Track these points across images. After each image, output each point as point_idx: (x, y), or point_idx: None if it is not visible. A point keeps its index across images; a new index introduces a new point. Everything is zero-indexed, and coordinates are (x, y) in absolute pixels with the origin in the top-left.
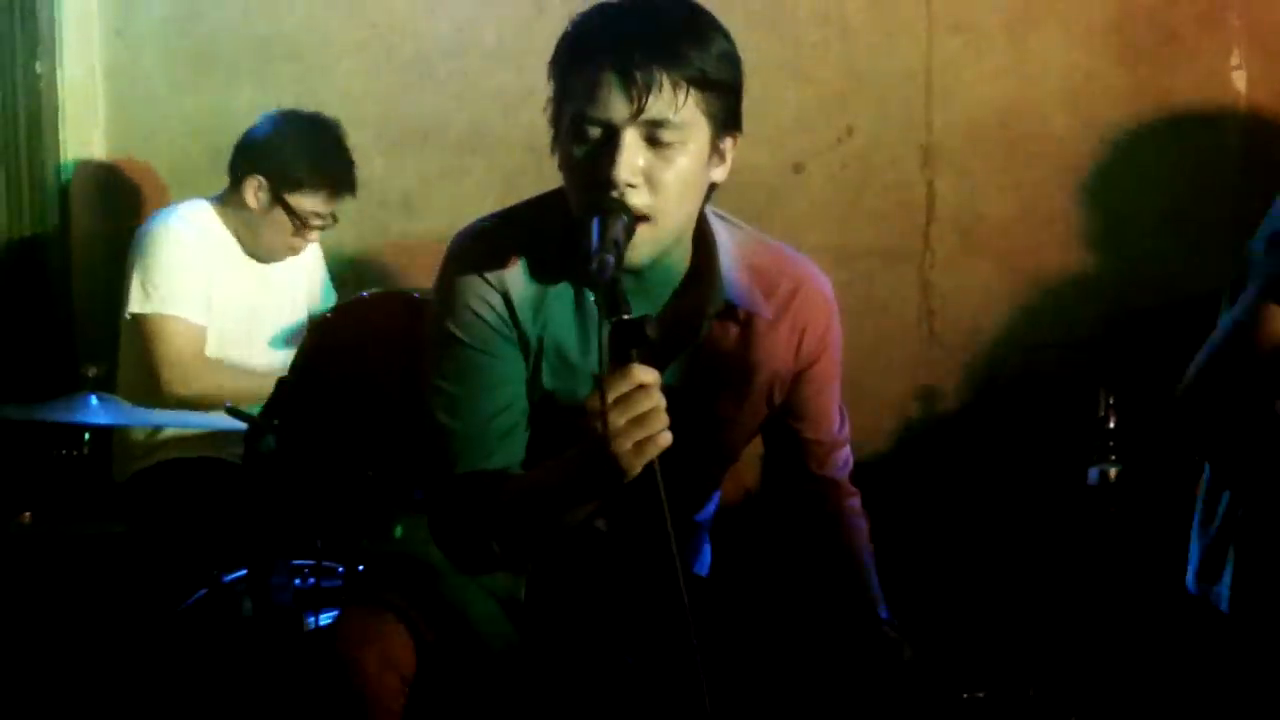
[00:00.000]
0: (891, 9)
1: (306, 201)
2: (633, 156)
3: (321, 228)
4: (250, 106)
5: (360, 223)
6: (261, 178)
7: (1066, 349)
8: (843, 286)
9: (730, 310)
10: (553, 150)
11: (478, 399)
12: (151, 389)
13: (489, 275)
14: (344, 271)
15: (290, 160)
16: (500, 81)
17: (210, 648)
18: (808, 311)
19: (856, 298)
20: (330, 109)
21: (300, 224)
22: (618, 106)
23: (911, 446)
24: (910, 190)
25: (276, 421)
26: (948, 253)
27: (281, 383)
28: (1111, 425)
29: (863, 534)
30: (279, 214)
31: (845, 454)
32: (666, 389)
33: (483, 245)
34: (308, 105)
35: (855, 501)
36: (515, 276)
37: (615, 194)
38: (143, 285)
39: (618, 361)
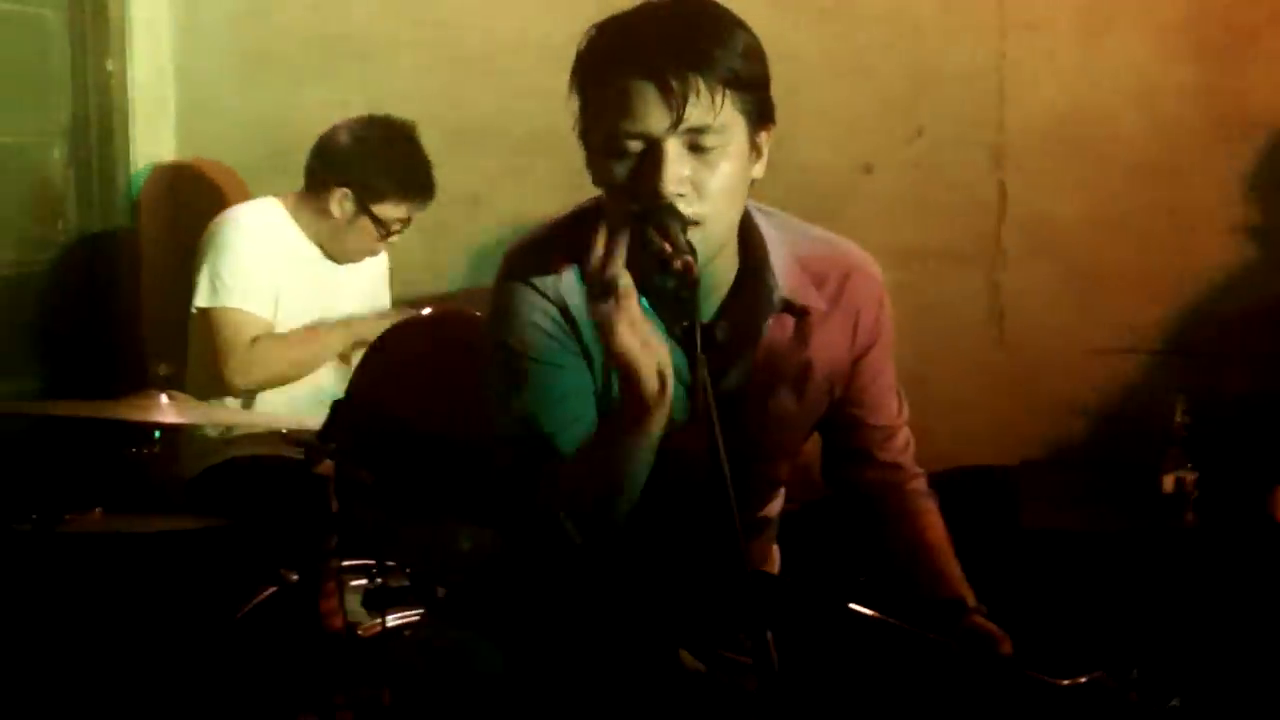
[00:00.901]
0: (962, 8)
1: (391, 210)
2: (678, 167)
3: (400, 231)
4: (316, 105)
5: (425, 221)
6: (347, 189)
7: (1138, 353)
8: (910, 287)
9: (786, 306)
10: (589, 167)
11: (543, 414)
12: (217, 382)
13: (544, 287)
14: (408, 271)
15: (376, 173)
16: (564, 79)
17: (275, 647)
18: (859, 298)
19: (925, 298)
20: (395, 107)
21: (384, 231)
22: (656, 118)
23: (978, 449)
24: (980, 190)
25: (333, 445)
26: (1017, 254)
27: (337, 405)
28: (1186, 431)
29: (935, 514)
30: (364, 222)
31: (906, 436)
32: (730, 391)
33: (534, 257)
34: (373, 103)
35: (922, 483)
36: (570, 287)
37: (667, 202)
38: (210, 279)
39: (690, 361)
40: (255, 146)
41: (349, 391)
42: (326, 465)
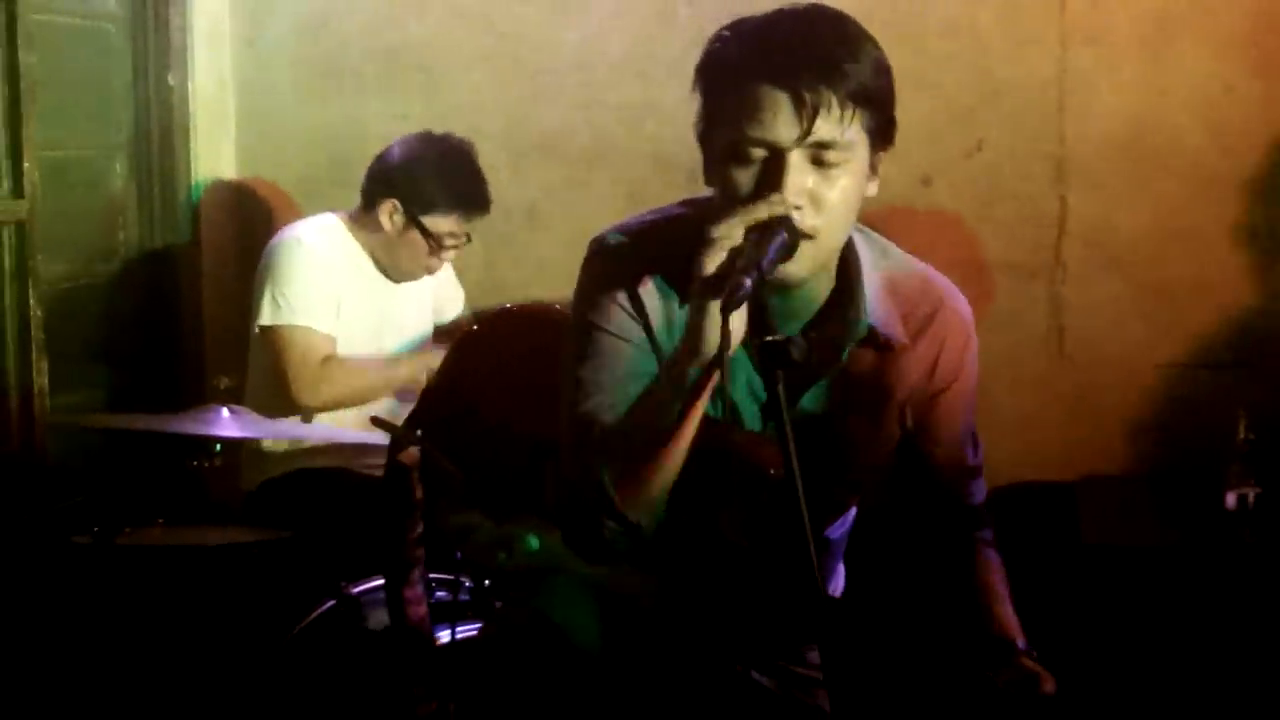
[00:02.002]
0: (1023, 20)
1: (441, 223)
2: (800, 179)
3: (456, 247)
4: (377, 118)
5: (484, 233)
6: (396, 201)
7: (1201, 368)
8: (970, 302)
9: (871, 335)
10: (706, 170)
11: (617, 385)
12: (282, 399)
13: (626, 279)
14: (469, 283)
15: (424, 183)
16: (625, 94)
17: (335, 660)
18: (945, 333)
19: (985, 313)
20: (456, 119)
21: (436, 244)
22: (785, 128)
23: (1039, 463)
24: (1041, 204)
25: (420, 432)
26: (1079, 268)
27: (427, 392)
28: (1249, 447)
29: (995, 566)
30: (414, 235)
31: (978, 483)
32: (805, 414)
33: (621, 250)
34: (435, 116)
35: (988, 533)
36: (650, 296)
37: (779, 212)
38: (273, 297)
39: (766, 382)
40: (316, 160)
41: (436, 382)
42: (411, 454)
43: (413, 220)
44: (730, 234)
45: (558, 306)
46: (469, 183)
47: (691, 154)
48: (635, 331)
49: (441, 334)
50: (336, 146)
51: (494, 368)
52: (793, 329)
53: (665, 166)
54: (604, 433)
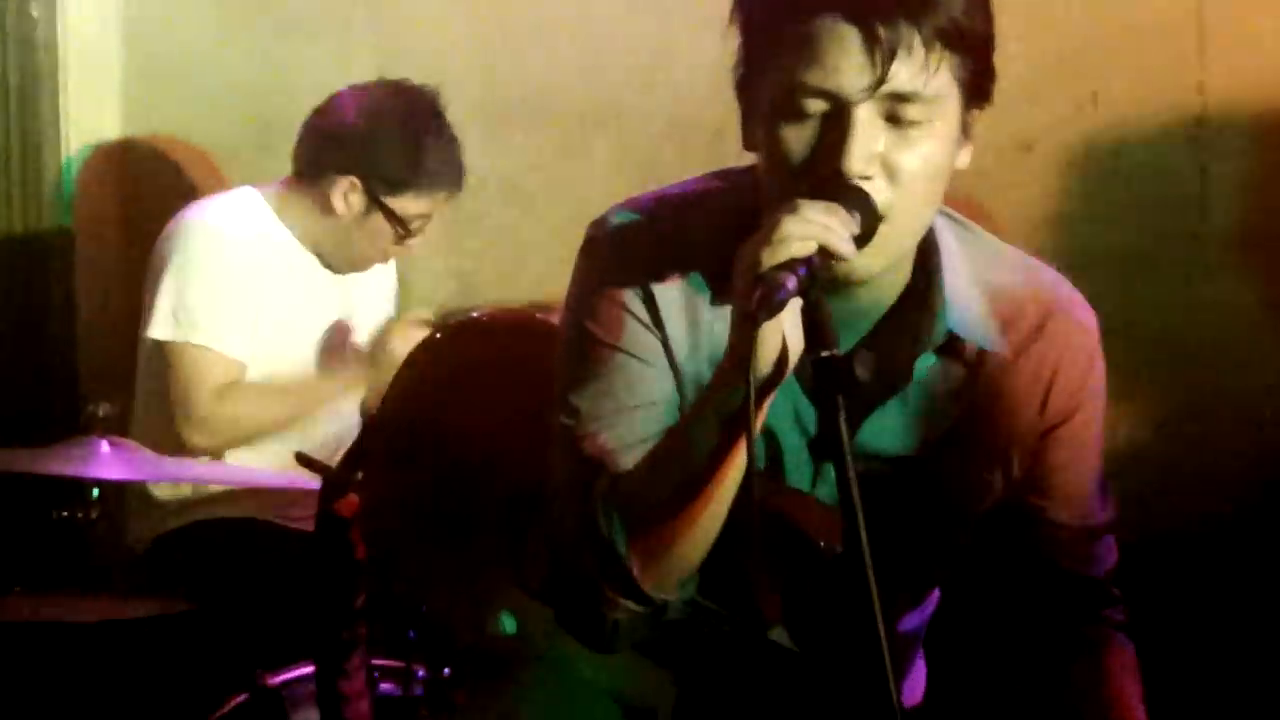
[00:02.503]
0: None
1: (412, 204)
2: (869, 141)
3: (421, 230)
4: (313, 67)
5: (450, 215)
6: (355, 179)
7: None
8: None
9: (954, 344)
10: (744, 128)
11: (629, 417)
12: (174, 435)
13: (637, 275)
14: (424, 279)
15: (391, 153)
16: (633, 37)
17: None
18: (1060, 349)
19: (1103, 316)
20: (414, 69)
21: (403, 231)
22: (852, 73)
23: (1171, 500)
24: (1174, 177)
25: (360, 474)
26: (1221, 257)
27: (368, 426)
28: None
29: (1126, 662)
30: (376, 221)
31: (1106, 545)
32: (868, 454)
33: (622, 255)
34: (386, 64)
35: (1117, 613)
36: (670, 297)
37: (857, 184)
38: (170, 304)
39: (821, 411)
40: (230, 120)
41: (383, 410)
42: (350, 501)
43: (376, 202)
44: (806, 231)
45: (541, 315)
46: (445, 153)
47: (718, 112)
48: (650, 345)
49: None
50: (258, 104)
51: (459, 391)
52: (851, 338)
53: (685, 129)
54: (616, 481)
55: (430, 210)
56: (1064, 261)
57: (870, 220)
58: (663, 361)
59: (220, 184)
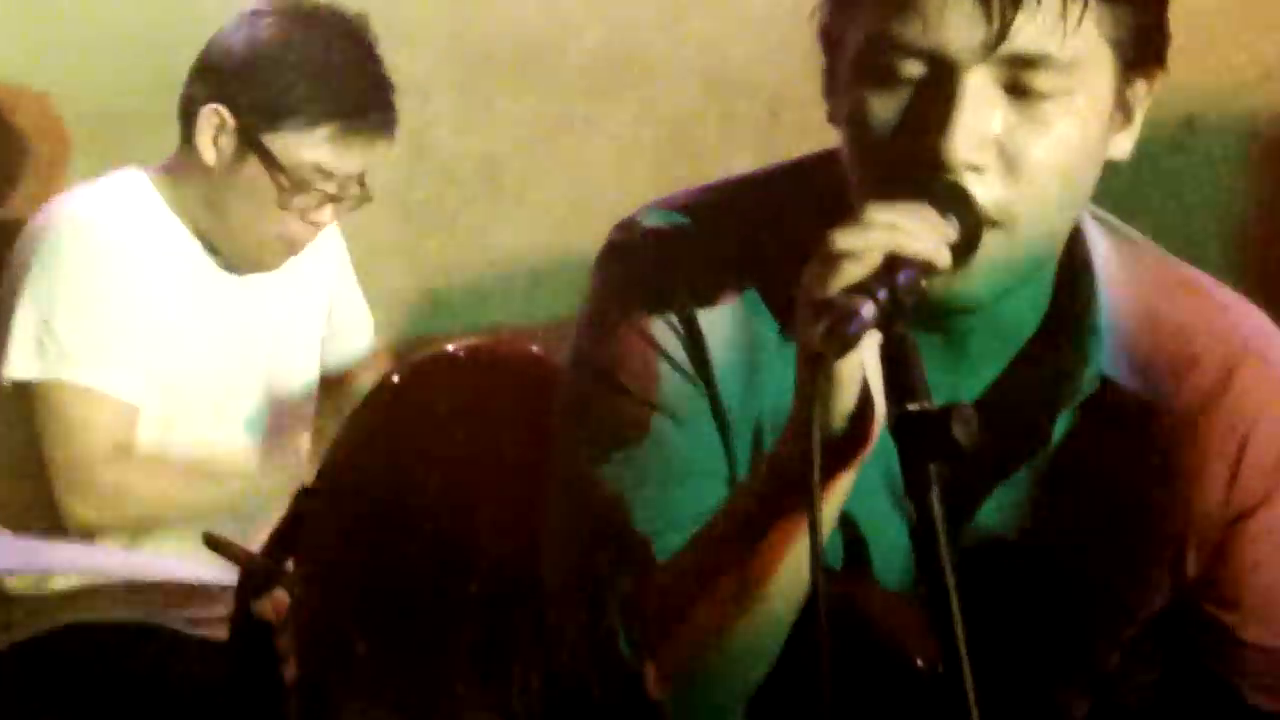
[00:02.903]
0: None
1: (305, 146)
2: (981, 118)
3: (337, 199)
4: (217, 10)
5: (409, 209)
6: (222, 107)
7: None
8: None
9: (1109, 395)
10: (827, 95)
11: (652, 490)
12: (44, 504)
13: (673, 303)
14: (376, 297)
15: (272, 73)
16: None
17: None
18: (1255, 407)
19: None
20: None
21: (292, 186)
22: (959, 27)
23: None
24: None
25: (291, 562)
26: None
27: (303, 496)
28: None
29: None
30: (253, 171)
31: None
32: (989, 541)
33: (656, 267)
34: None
35: None
36: (717, 320)
37: (948, 178)
38: (34, 330)
39: (911, 477)
40: (116, 81)
41: (324, 476)
42: (277, 600)
43: (248, 140)
44: (868, 242)
45: (536, 349)
46: (354, 70)
47: (775, 73)
48: (690, 398)
49: (331, 386)
50: (148, 56)
51: (427, 451)
52: (971, 387)
53: (728, 94)
54: (642, 581)
55: (337, 162)
56: (1240, 275)
57: (971, 226)
58: (707, 419)
59: (81, 165)
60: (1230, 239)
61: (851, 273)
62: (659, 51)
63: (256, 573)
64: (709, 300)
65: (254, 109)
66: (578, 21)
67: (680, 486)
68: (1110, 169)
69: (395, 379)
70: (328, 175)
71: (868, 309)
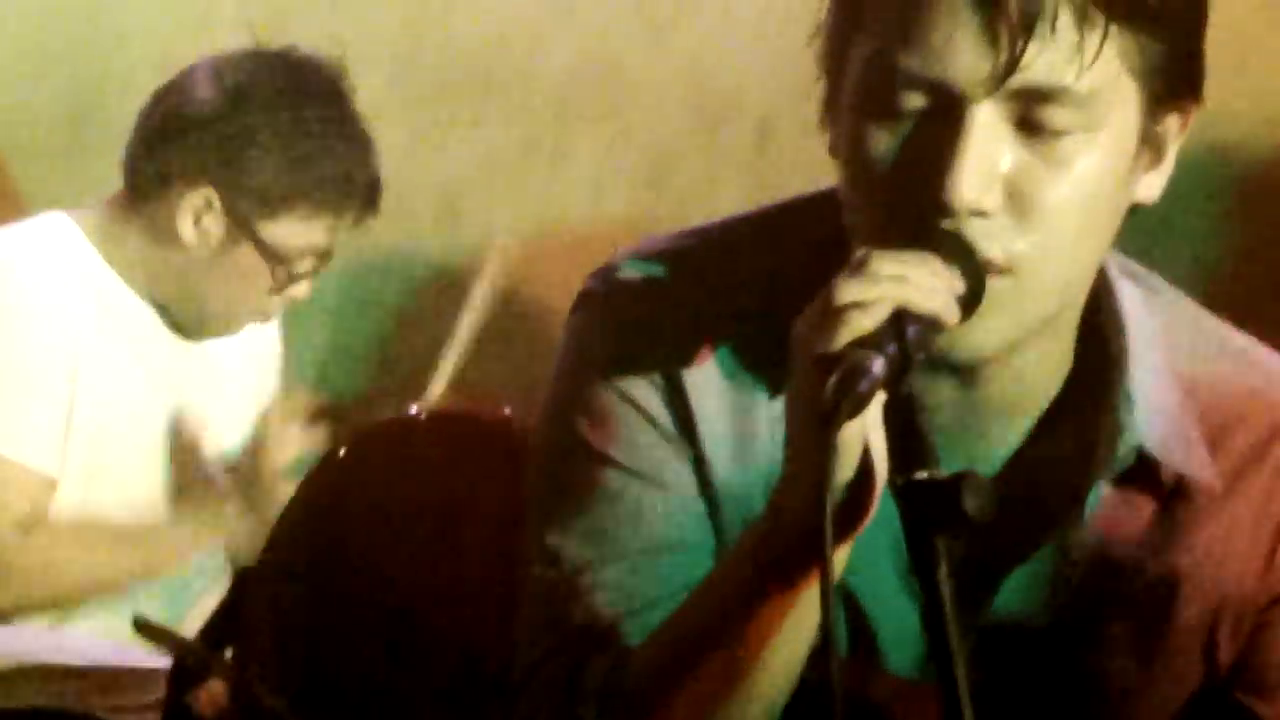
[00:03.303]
0: None
1: (298, 232)
2: (990, 155)
3: (314, 273)
4: (160, 32)
5: (352, 246)
6: (210, 191)
7: None
8: None
9: (1144, 469)
10: (821, 120)
11: (629, 563)
12: None
13: (652, 360)
14: (330, 346)
15: (267, 158)
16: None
17: None
18: None
19: None
20: (308, 34)
21: (285, 272)
22: (966, 57)
23: None
24: None
25: (231, 652)
26: None
27: (244, 578)
28: None
29: None
30: (243, 255)
31: None
32: (1007, 624)
33: (635, 319)
34: (268, 28)
35: None
36: (704, 377)
37: (947, 224)
38: None
39: (915, 552)
40: (31, 109)
41: (265, 555)
42: (213, 693)
43: (242, 227)
44: (876, 293)
45: (505, 412)
46: (350, 151)
47: (766, 94)
48: (670, 461)
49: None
50: (77, 84)
51: (384, 527)
52: (992, 454)
53: (714, 118)
54: (618, 663)
55: (327, 241)
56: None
57: (974, 280)
58: (689, 483)
59: (13, 205)
60: (1208, 283)
61: (859, 325)
62: (636, 72)
63: (190, 661)
64: (693, 358)
65: (249, 198)
66: (546, 39)
67: (660, 560)
68: None
69: (343, 450)
70: (319, 255)
71: (878, 365)
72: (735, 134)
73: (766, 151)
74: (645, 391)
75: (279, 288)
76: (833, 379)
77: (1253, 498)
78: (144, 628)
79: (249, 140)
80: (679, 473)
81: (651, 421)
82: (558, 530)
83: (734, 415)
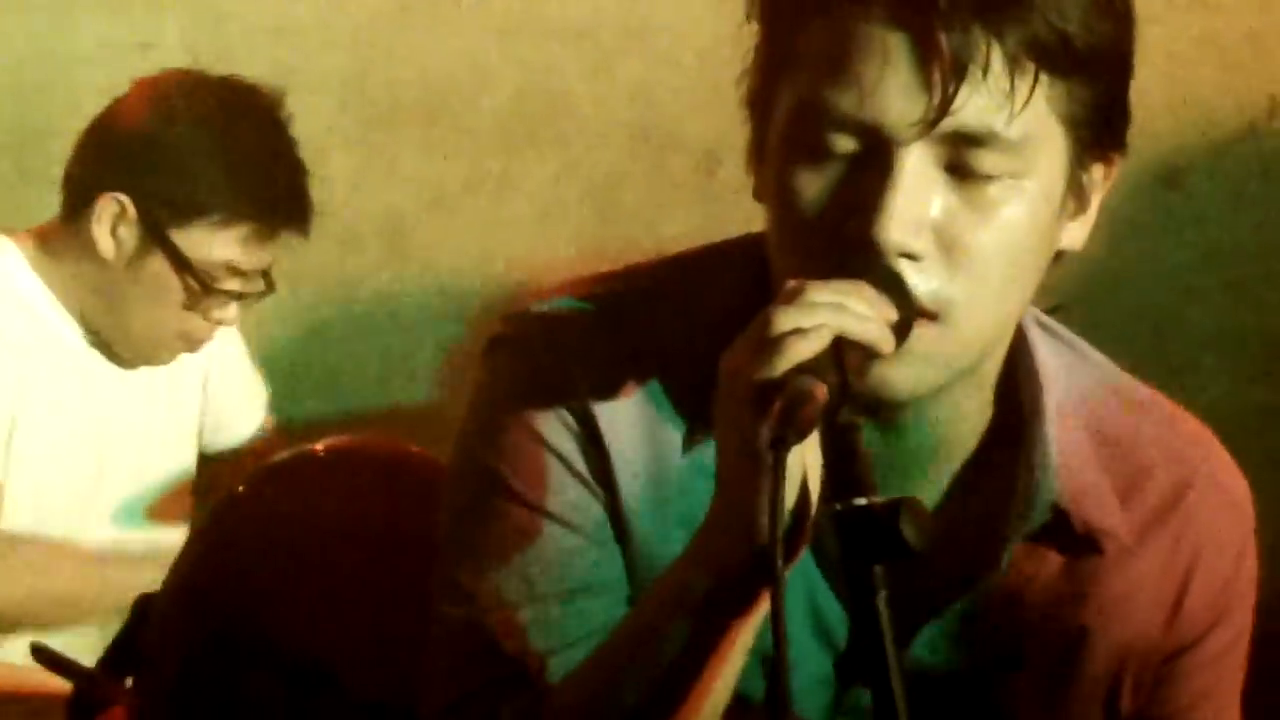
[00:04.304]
0: None
1: (216, 244)
2: (919, 199)
3: (243, 296)
4: (107, 54)
5: (304, 276)
6: (124, 198)
7: None
8: (1255, 435)
9: (1057, 523)
10: (749, 162)
11: (547, 603)
12: None
13: (573, 400)
14: (274, 373)
15: (183, 161)
16: (583, 8)
17: None
18: (1202, 535)
19: None
20: (256, 59)
21: (202, 286)
22: (896, 100)
23: None
24: None
25: (130, 680)
26: None
27: (143, 603)
28: None
29: None
30: (157, 267)
31: None
32: (921, 674)
33: (551, 369)
34: (216, 51)
35: None
36: (619, 419)
37: (882, 263)
38: None
39: (852, 590)
40: None
41: (170, 584)
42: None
43: (155, 235)
44: (814, 320)
45: (418, 451)
46: (273, 163)
47: (711, 124)
48: (587, 506)
49: (221, 471)
50: (19, 107)
51: (287, 565)
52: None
53: (659, 149)
54: (536, 704)
55: (247, 259)
56: (1235, 360)
57: (904, 307)
58: (605, 528)
59: None
60: (1215, 299)
61: (799, 351)
62: (582, 102)
63: (89, 690)
64: (609, 397)
65: (162, 202)
66: (491, 69)
67: (574, 602)
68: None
69: (241, 487)
70: (237, 273)
71: (822, 390)
72: (681, 163)
73: (713, 181)
74: (559, 434)
75: (197, 305)
76: (778, 404)
77: (1160, 550)
78: (41, 654)
79: (167, 146)
80: (594, 515)
81: (565, 464)
82: (471, 570)
83: (650, 457)
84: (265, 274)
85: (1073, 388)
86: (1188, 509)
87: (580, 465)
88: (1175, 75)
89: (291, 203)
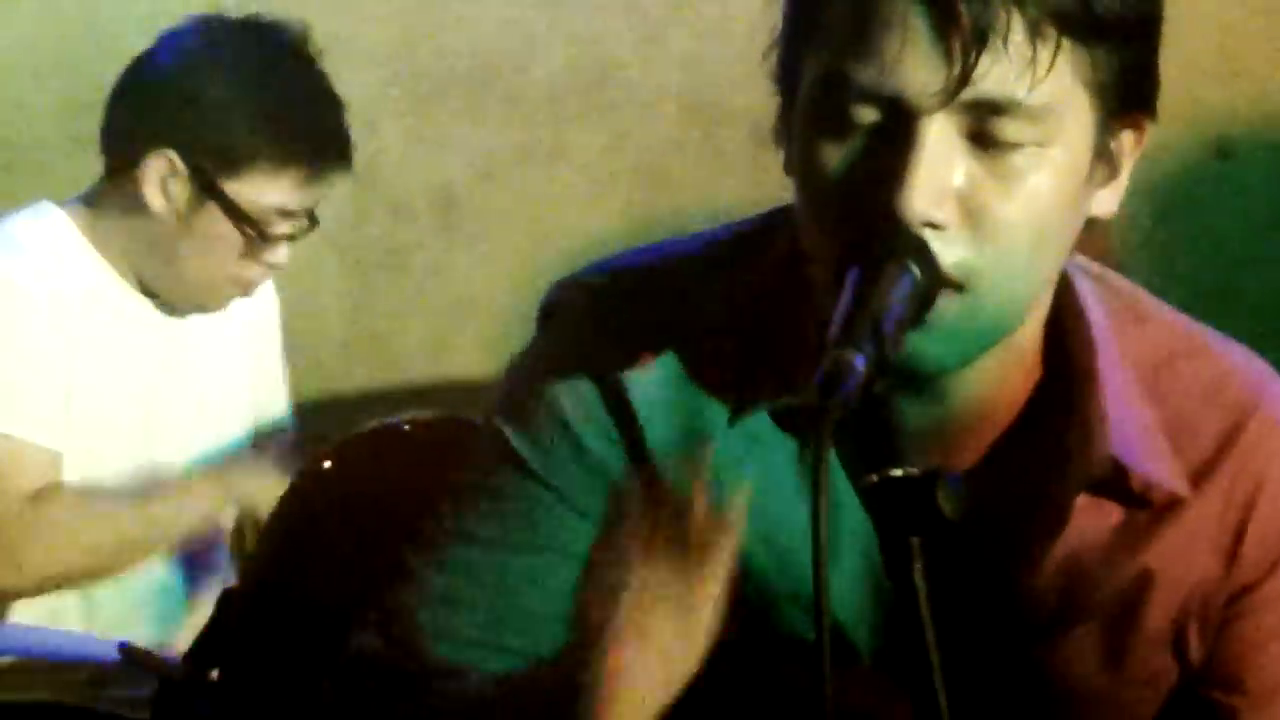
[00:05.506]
0: None
1: (268, 191)
2: (942, 169)
3: (293, 239)
4: (141, 21)
5: (356, 248)
6: (173, 153)
7: None
8: None
9: (1116, 479)
10: (777, 136)
11: (510, 588)
12: None
13: (595, 390)
14: (324, 346)
15: (229, 114)
16: None
17: None
18: (1258, 471)
19: None
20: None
21: (257, 233)
22: (918, 70)
23: None
24: None
25: (215, 674)
26: None
27: (227, 599)
28: None
29: None
30: (212, 219)
31: None
32: (975, 633)
33: (594, 320)
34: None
35: None
36: (656, 392)
37: (909, 232)
38: None
39: (890, 553)
40: (20, 102)
41: (247, 574)
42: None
43: (208, 188)
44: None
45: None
46: (313, 104)
47: (760, 95)
48: (577, 483)
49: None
50: (73, 76)
51: (365, 545)
52: (953, 469)
53: (708, 118)
54: (479, 700)
55: (298, 201)
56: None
57: (931, 281)
58: (591, 510)
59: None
60: (1266, 272)
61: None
62: (633, 73)
63: (175, 686)
64: (647, 369)
65: (210, 155)
66: (542, 39)
67: (555, 571)
68: (1141, 196)
69: (326, 462)
70: (288, 216)
71: (860, 362)
72: (732, 134)
73: (764, 151)
74: (579, 411)
75: (252, 252)
76: (820, 372)
77: (1215, 496)
78: (131, 654)
79: (208, 99)
80: (586, 496)
81: (579, 443)
82: (457, 525)
83: (690, 428)
84: (310, 213)
85: (1128, 341)
86: (1242, 448)
87: (595, 444)
88: (1226, 47)
89: (336, 141)
